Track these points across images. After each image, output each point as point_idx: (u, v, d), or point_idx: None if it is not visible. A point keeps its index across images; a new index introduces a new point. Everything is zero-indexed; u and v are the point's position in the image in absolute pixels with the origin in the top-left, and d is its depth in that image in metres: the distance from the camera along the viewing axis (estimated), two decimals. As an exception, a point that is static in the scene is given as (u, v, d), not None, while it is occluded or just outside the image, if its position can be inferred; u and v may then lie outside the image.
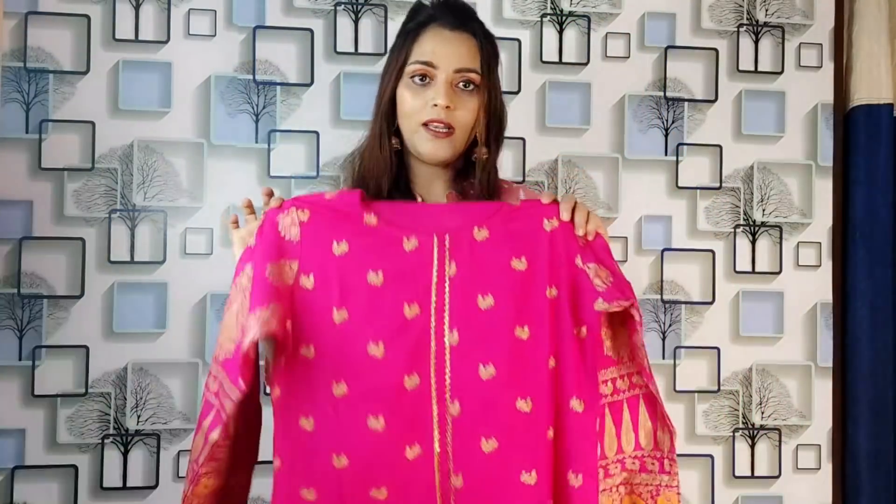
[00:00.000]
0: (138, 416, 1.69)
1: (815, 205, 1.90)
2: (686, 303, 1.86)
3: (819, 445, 1.88)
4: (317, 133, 1.76)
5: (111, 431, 1.68)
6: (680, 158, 1.87)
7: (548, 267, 1.08)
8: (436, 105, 1.14)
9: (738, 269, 1.88)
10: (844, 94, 1.93)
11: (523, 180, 1.80)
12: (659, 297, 1.84)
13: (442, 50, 1.15)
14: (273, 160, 1.75)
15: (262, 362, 1.08)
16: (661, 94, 1.87)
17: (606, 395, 1.12)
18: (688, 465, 1.83)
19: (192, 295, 1.71)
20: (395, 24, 1.66)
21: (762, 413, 1.87)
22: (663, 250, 1.85)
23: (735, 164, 1.89)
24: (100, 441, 1.68)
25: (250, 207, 1.19)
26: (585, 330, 1.07)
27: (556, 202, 1.12)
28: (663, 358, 1.83)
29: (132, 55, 1.72)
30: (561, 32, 1.85)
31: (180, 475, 1.69)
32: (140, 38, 1.72)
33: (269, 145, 1.75)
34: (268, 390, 1.11)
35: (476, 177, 1.20)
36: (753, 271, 1.88)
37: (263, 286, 1.01)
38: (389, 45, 1.24)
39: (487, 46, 1.19)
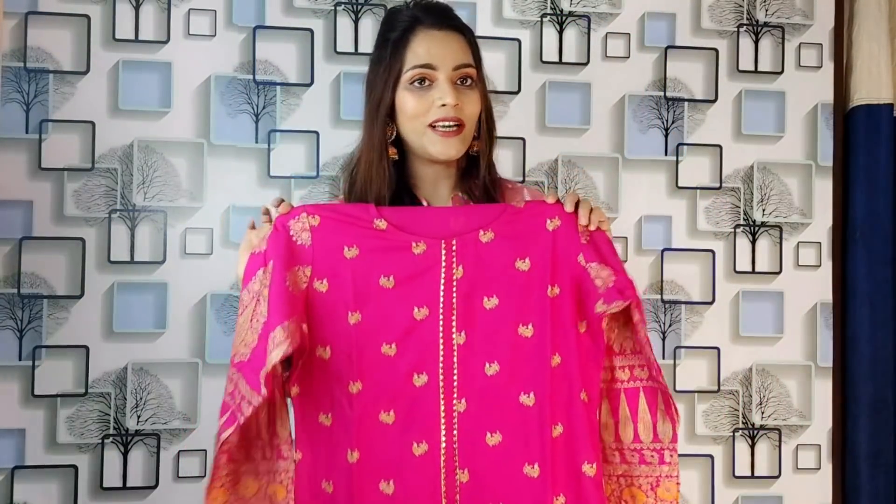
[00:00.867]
0: (138, 416, 1.69)
1: (815, 205, 1.90)
2: (686, 303, 1.86)
3: (819, 445, 1.88)
4: (317, 133, 1.76)
5: (111, 431, 1.68)
6: (680, 158, 1.87)
7: (550, 266, 1.11)
8: (444, 105, 1.14)
9: (738, 269, 1.88)
10: (844, 94, 1.93)
11: (523, 180, 1.80)
12: (659, 297, 1.84)
13: (437, 50, 1.16)
14: (273, 160, 1.75)
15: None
16: (661, 94, 1.87)
17: (605, 382, 1.15)
18: (688, 465, 1.83)
19: (192, 295, 1.71)
20: (395, 24, 1.66)
21: (762, 413, 1.87)
22: (663, 250, 1.85)
23: (735, 164, 1.89)
24: (100, 441, 1.67)
25: (268, 215, 1.18)
26: (586, 325, 1.11)
27: (559, 202, 1.14)
28: (663, 358, 1.83)
29: (132, 55, 1.72)
30: (561, 32, 1.85)
31: (180, 475, 1.69)
32: (140, 38, 1.72)
33: (269, 145, 1.75)
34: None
35: (480, 173, 1.22)
36: (753, 271, 1.88)
37: (284, 297, 1.05)
38: (389, 45, 1.24)
39: (474, 41, 1.22)
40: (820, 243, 1.90)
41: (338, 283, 1.09)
